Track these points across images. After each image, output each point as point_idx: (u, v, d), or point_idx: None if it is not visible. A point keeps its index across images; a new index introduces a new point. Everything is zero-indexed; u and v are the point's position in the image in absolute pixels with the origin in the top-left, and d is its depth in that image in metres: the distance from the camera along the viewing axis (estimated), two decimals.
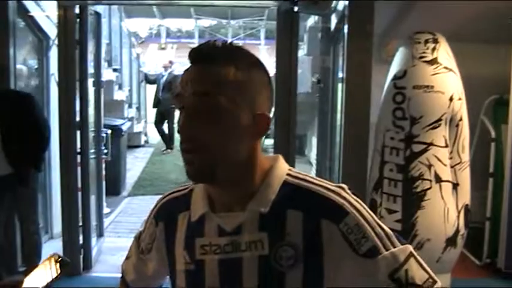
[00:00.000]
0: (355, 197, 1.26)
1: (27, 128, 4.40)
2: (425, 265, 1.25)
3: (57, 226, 5.56)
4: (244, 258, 1.23)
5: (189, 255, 1.29)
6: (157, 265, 1.43)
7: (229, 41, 1.26)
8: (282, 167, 1.30)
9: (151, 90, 13.12)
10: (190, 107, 1.18)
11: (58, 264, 1.28)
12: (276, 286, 1.22)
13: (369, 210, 1.26)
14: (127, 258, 1.53)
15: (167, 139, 12.11)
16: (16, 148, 4.32)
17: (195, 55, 1.20)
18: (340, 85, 5.29)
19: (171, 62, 12.44)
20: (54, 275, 1.28)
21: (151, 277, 1.48)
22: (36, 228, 4.65)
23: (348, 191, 1.26)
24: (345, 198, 1.24)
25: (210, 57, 1.19)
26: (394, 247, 1.23)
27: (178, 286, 1.33)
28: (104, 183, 6.11)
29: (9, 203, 4.48)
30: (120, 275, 1.56)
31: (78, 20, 4.94)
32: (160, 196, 1.44)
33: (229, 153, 1.20)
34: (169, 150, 11.88)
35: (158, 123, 12.20)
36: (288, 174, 1.28)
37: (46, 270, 1.27)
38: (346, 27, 4.95)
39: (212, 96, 1.17)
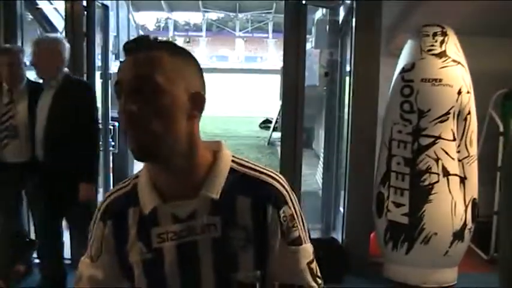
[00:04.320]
0: (290, 189, 1.40)
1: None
2: None
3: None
4: (200, 241, 1.33)
5: (145, 245, 1.36)
6: (110, 267, 1.43)
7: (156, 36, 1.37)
8: (227, 154, 1.39)
9: None
10: (129, 88, 1.26)
11: None
12: (230, 266, 1.34)
13: (298, 203, 1.41)
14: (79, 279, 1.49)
15: None
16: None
17: (130, 46, 1.30)
18: (347, 78, 5.29)
19: None
20: None
21: (107, 282, 1.45)
22: None
23: (286, 182, 1.40)
24: (285, 189, 1.38)
25: (145, 45, 1.30)
26: (308, 242, 1.41)
27: (136, 277, 1.38)
28: (111, 175, 6.12)
29: (20, 192, 4.50)
30: None
31: (85, 12, 4.93)
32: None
33: (169, 129, 1.27)
34: None
35: None
36: (233, 161, 1.39)
37: None
38: (354, 20, 4.94)
39: (150, 76, 1.25)
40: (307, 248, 1.39)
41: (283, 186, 1.38)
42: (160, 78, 1.25)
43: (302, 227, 1.39)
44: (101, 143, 5.41)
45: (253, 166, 1.39)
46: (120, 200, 1.42)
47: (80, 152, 3.95)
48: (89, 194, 4.10)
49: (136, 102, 1.24)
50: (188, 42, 44.22)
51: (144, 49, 1.29)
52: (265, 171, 1.39)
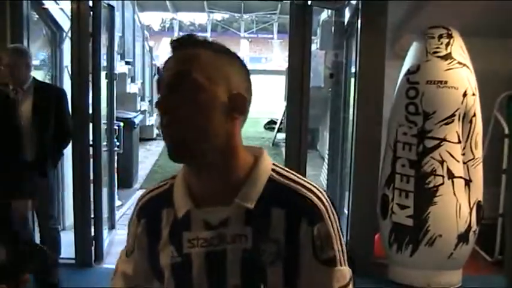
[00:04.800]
0: (332, 206, 1.31)
1: (57, 121, 4.43)
2: None
3: (69, 218, 5.59)
4: (229, 250, 1.27)
5: (175, 249, 1.33)
6: (140, 265, 1.44)
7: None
8: (267, 162, 1.33)
9: None
10: (168, 84, 1.24)
11: None
12: (258, 279, 1.27)
13: (338, 222, 1.32)
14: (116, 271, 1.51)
15: None
16: (44, 138, 4.36)
17: (175, 43, 1.28)
18: (353, 79, 5.28)
19: None
20: None
21: (137, 278, 1.46)
22: (53, 223, 4.66)
23: (327, 197, 1.32)
24: (324, 205, 1.29)
25: (189, 42, 1.27)
26: (345, 265, 1.31)
27: (166, 279, 1.36)
28: (116, 175, 6.13)
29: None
30: None
31: (91, 12, 4.94)
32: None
33: (206, 128, 1.23)
34: None
35: None
36: (273, 170, 1.32)
37: None
38: (359, 21, 4.93)
39: (189, 73, 1.23)
40: (343, 272, 1.29)
41: (322, 202, 1.29)
42: (199, 75, 1.22)
43: (339, 248, 1.30)
44: (105, 143, 5.45)
45: (293, 177, 1.32)
46: (155, 199, 1.40)
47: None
48: (21, 211, 4.10)
49: (173, 99, 1.22)
50: None
51: (188, 46, 1.26)
52: (305, 183, 1.31)
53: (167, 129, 1.23)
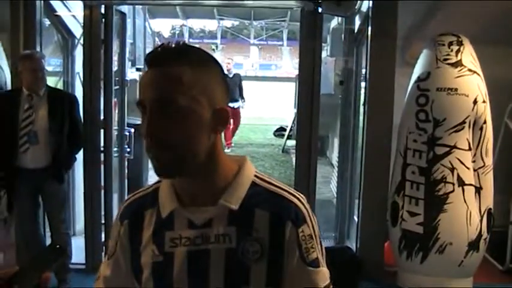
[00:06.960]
0: (311, 210, 1.37)
1: (71, 126, 4.49)
2: None
3: (79, 223, 5.61)
4: (212, 250, 1.31)
5: (157, 248, 1.35)
6: (122, 267, 1.44)
7: (181, 41, 1.32)
8: (250, 169, 1.39)
9: None
10: (153, 109, 1.24)
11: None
12: (241, 278, 1.31)
13: (317, 225, 1.37)
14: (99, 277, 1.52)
15: None
16: (59, 144, 4.41)
17: (151, 60, 1.27)
18: (363, 87, 5.28)
19: None
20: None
21: (118, 281, 1.47)
22: (65, 227, 4.69)
23: (306, 202, 1.38)
24: (306, 208, 1.36)
25: (165, 60, 1.25)
26: (324, 266, 1.37)
27: (144, 279, 1.38)
28: (126, 181, 6.15)
29: (37, 197, 4.54)
30: None
31: (103, 19, 4.98)
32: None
33: (193, 147, 1.26)
34: None
35: None
36: (256, 176, 1.38)
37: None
38: (369, 28, 4.94)
39: (172, 98, 1.23)
40: (325, 272, 1.36)
41: (304, 206, 1.35)
42: (183, 99, 1.23)
43: (320, 250, 1.36)
44: (116, 149, 5.48)
45: (275, 182, 1.38)
46: (138, 201, 1.43)
47: None
48: None
49: (161, 124, 1.23)
50: (214, 50, 43.84)
51: (166, 62, 1.24)
52: (286, 188, 1.37)
53: (155, 152, 1.25)
